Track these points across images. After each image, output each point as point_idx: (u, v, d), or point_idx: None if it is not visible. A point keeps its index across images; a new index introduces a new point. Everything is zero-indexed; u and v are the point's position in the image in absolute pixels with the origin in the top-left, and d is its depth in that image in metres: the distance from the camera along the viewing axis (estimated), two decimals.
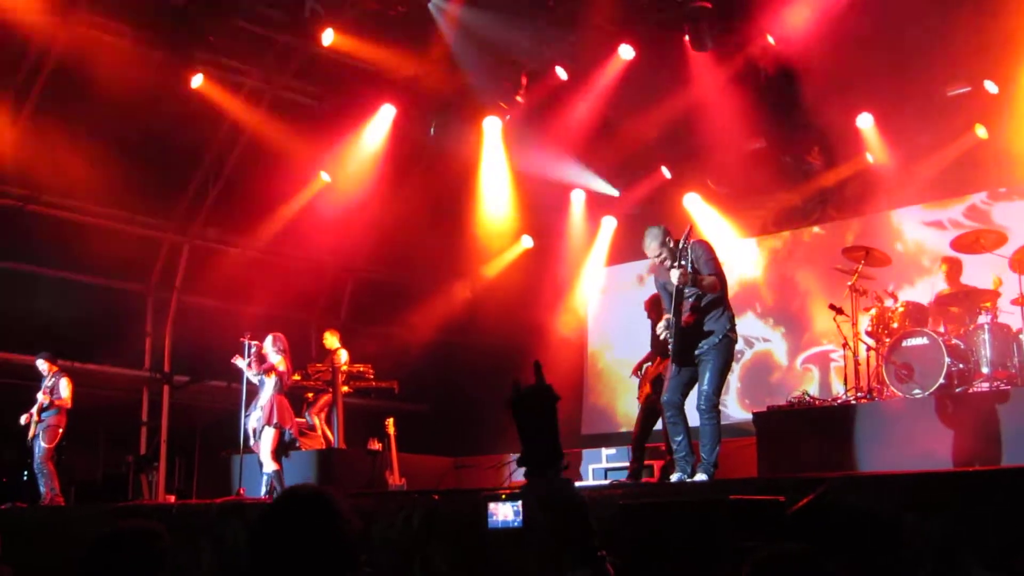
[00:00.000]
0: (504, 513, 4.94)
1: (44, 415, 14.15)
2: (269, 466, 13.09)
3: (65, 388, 14.23)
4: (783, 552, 3.08)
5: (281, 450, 13.38)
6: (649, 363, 12.43)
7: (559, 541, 3.12)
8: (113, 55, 14.58)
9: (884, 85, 14.68)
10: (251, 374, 13.52)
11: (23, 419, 14.26)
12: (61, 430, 14.22)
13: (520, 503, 4.58)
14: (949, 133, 14.86)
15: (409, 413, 16.90)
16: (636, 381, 12.81)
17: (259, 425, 13.19)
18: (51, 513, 13.23)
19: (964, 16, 12.89)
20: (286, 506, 3.54)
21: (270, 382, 13.32)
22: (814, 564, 2.98)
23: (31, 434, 14.20)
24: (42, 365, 14.46)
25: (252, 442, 13.32)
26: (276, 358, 13.43)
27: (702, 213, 17.72)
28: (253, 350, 13.47)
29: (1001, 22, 12.94)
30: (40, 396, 14.23)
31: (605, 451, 15.05)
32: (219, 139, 17.25)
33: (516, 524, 4.66)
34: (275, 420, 13.13)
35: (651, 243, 9.76)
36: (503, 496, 4.97)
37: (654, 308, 11.68)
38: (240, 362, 13.51)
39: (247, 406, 13.51)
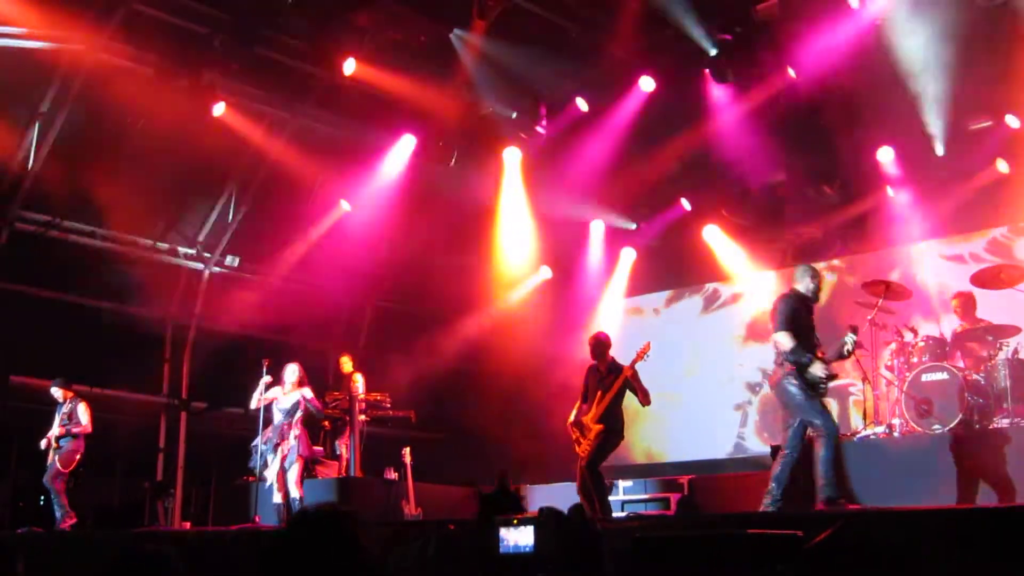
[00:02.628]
0: (516, 538, 4.93)
1: (62, 441, 14.15)
2: (295, 492, 13.04)
3: (84, 414, 14.20)
4: None
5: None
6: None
7: (570, 568, 3.12)
8: (137, 83, 14.68)
9: (905, 119, 14.66)
10: (284, 401, 13.36)
11: (43, 443, 14.26)
12: (79, 456, 14.21)
13: (533, 528, 4.56)
14: (970, 167, 14.83)
15: (426, 442, 16.87)
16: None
17: (291, 456, 13.12)
18: (68, 538, 13.24)
19: (978, 53, 12.89)
20: (305, 524, 3.49)
21: (298, 411, 13.26)
22: None
23: (48, 460, 14.21)
24: (57, 392, 14.40)
25: (269, 469, 13.22)
26: (306, 388, 13.41)
27: (721, 245, 17.72)
28: (295, 376, 13.40)
29: (1014, 58, 12.96)
30: (55, 428, 14.17)
31: (622, 483, 14.98)
32: (241, 167, 17.33)
33: (528, 550, 4.65)
34: (308, 452, 13.33)
35: (804, 278, 10.00)
36: (515, 521, 4.96)
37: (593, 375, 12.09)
38: (275, 390, 13.38)
39: (264, 433, 13.47)
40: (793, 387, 9.44)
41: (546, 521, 2.95)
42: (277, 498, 13.13)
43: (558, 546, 2.91)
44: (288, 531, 3.42)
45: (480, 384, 18.86)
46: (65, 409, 14.28)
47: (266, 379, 13.36)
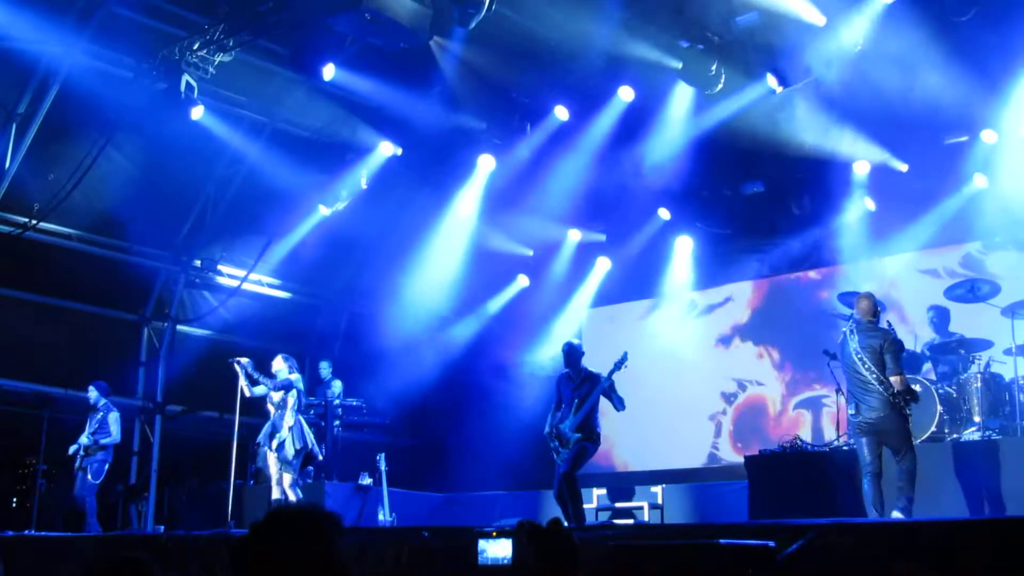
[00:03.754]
0: (494, 550, 4.98)
1: (91, 453, 14.04)
2: (292, 495, 12.75)
3: (115, 424, 14.02)
4: None
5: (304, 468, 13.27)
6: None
7: None
8: (115, 85, 14.66)
9: (882, 133, 14.76)
10: (263, 390, 13.15)
11: (71, 450, 14.14)
12: (107, 466, 14.13)
13: (511, 541, 4.61)
14: (947, 182, 14.90)
15: (401, 448, 16.89)
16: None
17: (290, 450, 12.79)
18: (42, 541, 13.17)
19: (955, 69, 12.97)
20: (278, 523, 3.45)
21: (292, 404, 12.99)
22: None
23: (75, 466, 14.10)
24: (93, 395, 14.27)
25: (274, 469, 12.96)
26: (295, 375, 13.18)
27: (698, 255, 17.80)
28: (250, 367, 13.24)
29: (988, 74, 13.07)
30: (86, 436, 14.05)
31: (596, 491, 15.02)
32: (218, 171, 17.31)
33: (505, 562, 4.69)
34: (309, 443, 12.95)
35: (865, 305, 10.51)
36: (494, 534, 5.01)
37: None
38: (261, 382, 13.16)
39: (243, 431, 13.31)
40: (905, 421, 9.88)
41: (525, 534, 2.97)
42: (276, 493, 12.90)
43: (536, 559, 2.93)
44: (260, 528, 3.40)
45: (457, 391, 18.88)
46: (97, 417, 14.17)
47: (246, 368, 13.27)
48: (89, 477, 13.95)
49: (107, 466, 14.13)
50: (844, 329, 10.38)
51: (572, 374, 12.01)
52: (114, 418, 14.11)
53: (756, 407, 17.13)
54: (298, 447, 12.83)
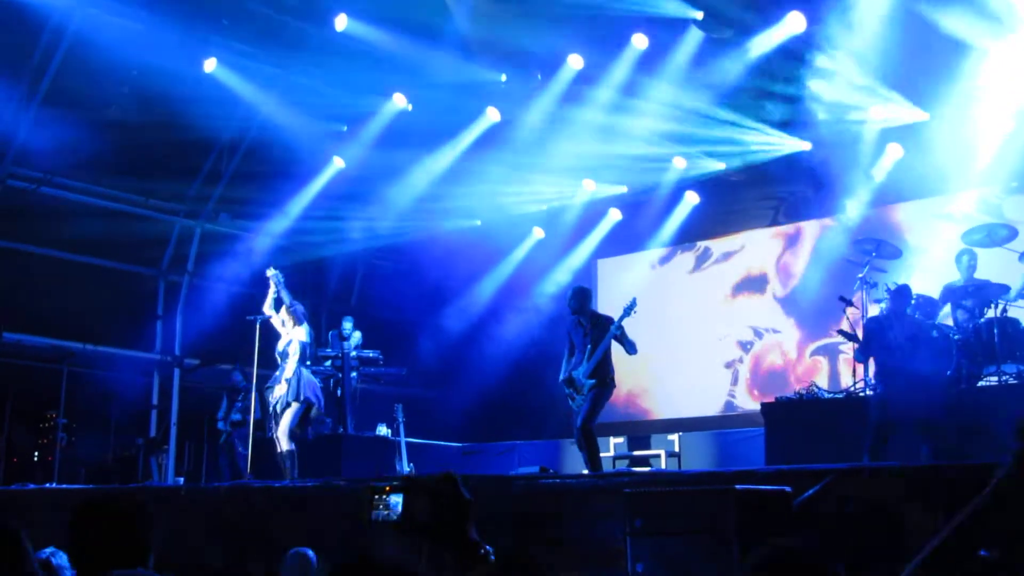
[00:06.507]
0: (386, 506, 4.92)
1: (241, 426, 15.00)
2: (285, 444, 12.59)
3: (258, 402, 14.51)
4: (784, 548, 3.09)
5: (304, 427, 13.23)
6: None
7: (437, 536, 3.16)
8: (127, 38, 14.61)
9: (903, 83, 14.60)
10: (275, 314, 13.01)
11: (222, 424, 15.57)
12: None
13: (402, 496, 4.55)
14: (960, 126, 14.74)
15: (418, 399, 16.95)
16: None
17: (283, 400, 12.67)
18: (60, 495, 13.26)
19: None
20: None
21: (294, 354, 12.81)
22: (815, 561, 2.99)
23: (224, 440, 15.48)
24: (238, 378, 15.52)
25: (272, 420, 12.86)
26: (302, 323, 12.99)
27: (712, 203, 17.73)
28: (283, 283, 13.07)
29: None
30: (236, 414, 15.33)
31: (613, 440, 15.08)
32: (232, 123, 17.27)
33: (394, 517, 4.63)
34: (302, 395, 12.66)
35: None
36: (387, 489, 4.96)
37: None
38: (285, 302, 13.00)
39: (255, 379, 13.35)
40: None
41: (412, 489, 2.96)
42: (283, 445, 12.69)
43: (426, 515, 2.94)
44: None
45: (474, 341, 18.91)
46: (240, 398, 15.24)
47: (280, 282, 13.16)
48: (241, 449, 14.81)
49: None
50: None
51: (582, 319, 11.97)
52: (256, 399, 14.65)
53: (773, 354, 17.13)
54: (290, 399, 12.64)
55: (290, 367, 12.73)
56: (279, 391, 12.72)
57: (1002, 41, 13.30)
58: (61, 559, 5.57)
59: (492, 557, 3.03)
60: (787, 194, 17.32)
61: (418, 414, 15.49)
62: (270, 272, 13.22)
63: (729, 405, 17.34)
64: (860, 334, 11.64)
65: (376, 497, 4.77)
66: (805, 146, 15.98)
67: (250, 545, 9.81)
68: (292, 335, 12.87)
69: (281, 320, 12.99)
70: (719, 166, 17.02)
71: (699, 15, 14.27)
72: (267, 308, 13.09)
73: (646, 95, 15.87)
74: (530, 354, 17.56)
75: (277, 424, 12.71)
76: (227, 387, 15.81)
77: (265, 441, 13.16)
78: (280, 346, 12.92)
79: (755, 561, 2.94)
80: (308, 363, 13.09)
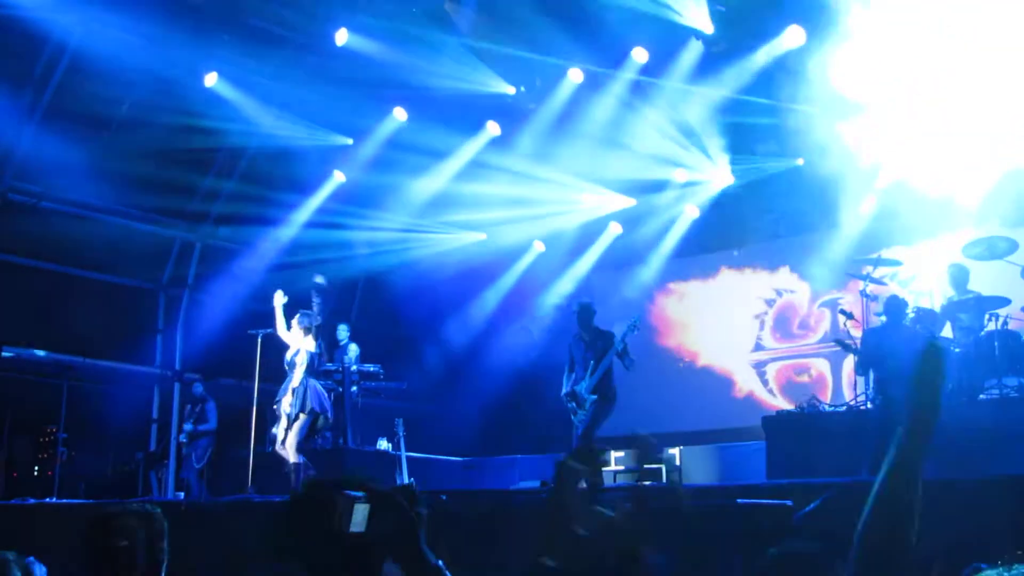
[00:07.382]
0: (356, 517, 4.85)
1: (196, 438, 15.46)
2: (293, 457, 12.67)
3: (213, 414, 15.47)
4: (792, 552, 3.09)
5: (313, 438, 13.17)
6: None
7: (387, 548, 3.13)
8: (129, 53, 14.62)
9: None
10: (289, 352, 13.11)
11: (182, 438, 15.80)
12: (210, 451, 15.37)
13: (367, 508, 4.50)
14: None
15: (419, 413, 16.91)
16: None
17: (293, 411, 12.74)
18: (61, 509, 13.24)
19: None
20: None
21: (301, 364, 12.90)
22: (823, 563, 2.98)
23: (183, 450, 15.80)
24: (199, 390, 15.87)
25: (281, 430, 12.90)
26: (309, 337, 13.04)
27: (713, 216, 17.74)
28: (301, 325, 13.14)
29: None
30: (188, 424, 15.69)
31: (613, 453, 15.04)
32: (233, 137, 17.27)
33: (359, 529, 4.59)
34: (308, 406, 12.73)
35: None
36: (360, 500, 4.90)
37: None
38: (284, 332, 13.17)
39: (262, 398, 13.33)
40: None
41: (371, 501, 2.93)
42: (292, 458, 12.80)
43: (385, 528, 2.91)
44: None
45: (474, 355, 18.88)
46: (197, 409, 15.57)
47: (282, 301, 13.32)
48: (194, 462, 15.36)
49: (210, 451, 15.49)
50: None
51: (583, 335, 11.99)
52: (212, 407, 15.48)
53: (777, 366, 17.12)
54: (296, 410, 12.71)
55: (297, 376, 12.81)
56: (286, 401, 12.74)
57: None
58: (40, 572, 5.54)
59: (447, 573, 3.00)
60: (787, 208, 17.26)
61: (419, 428, 15.44)
62: (318, 279, 13.29)
63: (732, 419, 17.27)
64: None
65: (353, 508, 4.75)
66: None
67: (251, 560, 9.77)
68: (301, 345, 12.91)
69: (289, 325, 13.09)
70: (720, 179, 17.03)
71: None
72: (280, 329, 13.16)
73: (648, 107, 15.92)
74: (531, 369, 17.53)
75: (285, 434, 12.74)
76: (189, 398, 15.95)
77: (266, 454, 13.16)
78: (288, 356, 12.96)
79: (761, 567, 2.94)
80: (312, 373, 13.13)
